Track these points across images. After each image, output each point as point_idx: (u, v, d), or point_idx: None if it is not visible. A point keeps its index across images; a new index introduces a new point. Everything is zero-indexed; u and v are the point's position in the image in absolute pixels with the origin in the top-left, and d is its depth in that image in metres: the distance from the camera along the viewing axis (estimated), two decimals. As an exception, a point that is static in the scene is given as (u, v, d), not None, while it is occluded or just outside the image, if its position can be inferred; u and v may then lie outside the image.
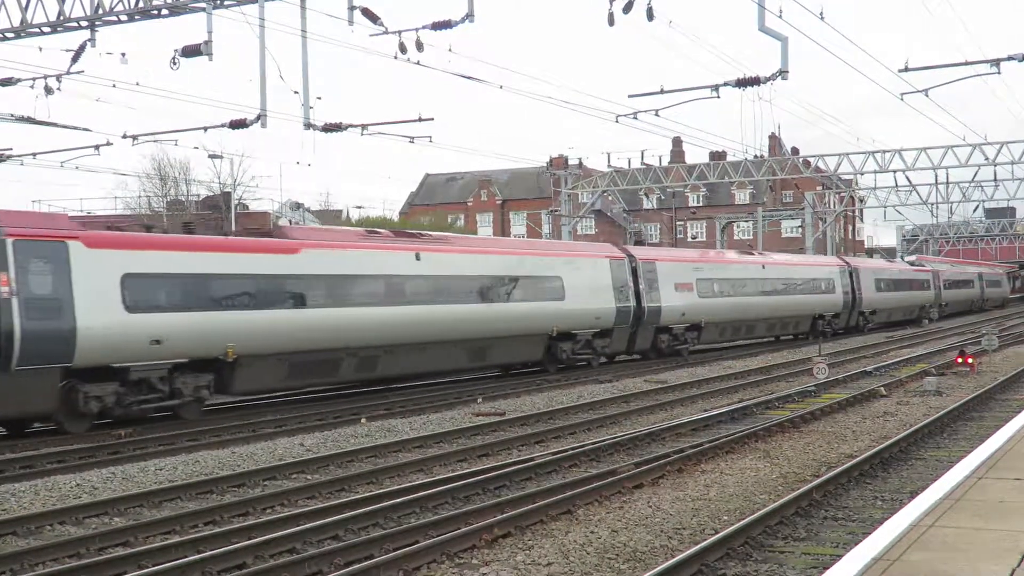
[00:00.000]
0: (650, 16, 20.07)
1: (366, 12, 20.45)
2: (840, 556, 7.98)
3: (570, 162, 69.06)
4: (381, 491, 13.07)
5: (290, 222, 62.78)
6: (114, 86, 24.89)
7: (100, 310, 18.21)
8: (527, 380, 27.77)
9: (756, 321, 40.28)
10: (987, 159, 48.59)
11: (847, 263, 49.89)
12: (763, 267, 41.24)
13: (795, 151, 79.29)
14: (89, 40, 21.26)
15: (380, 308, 23.64)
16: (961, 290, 72.11)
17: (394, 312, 23.95)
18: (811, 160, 56.03)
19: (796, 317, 44.05)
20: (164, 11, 20.61)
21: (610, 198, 76.91)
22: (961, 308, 72.88)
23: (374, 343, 23.46)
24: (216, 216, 52.97)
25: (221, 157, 58.27)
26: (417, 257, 24.89)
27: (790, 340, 44.43)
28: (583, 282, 30.28)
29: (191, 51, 20.16)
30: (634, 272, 32.59)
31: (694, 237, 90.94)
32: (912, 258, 72.77)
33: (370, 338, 23.30)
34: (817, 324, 45.50)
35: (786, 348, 40.12)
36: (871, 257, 64.54)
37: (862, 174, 52.42)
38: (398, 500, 12.20)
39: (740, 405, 21.02)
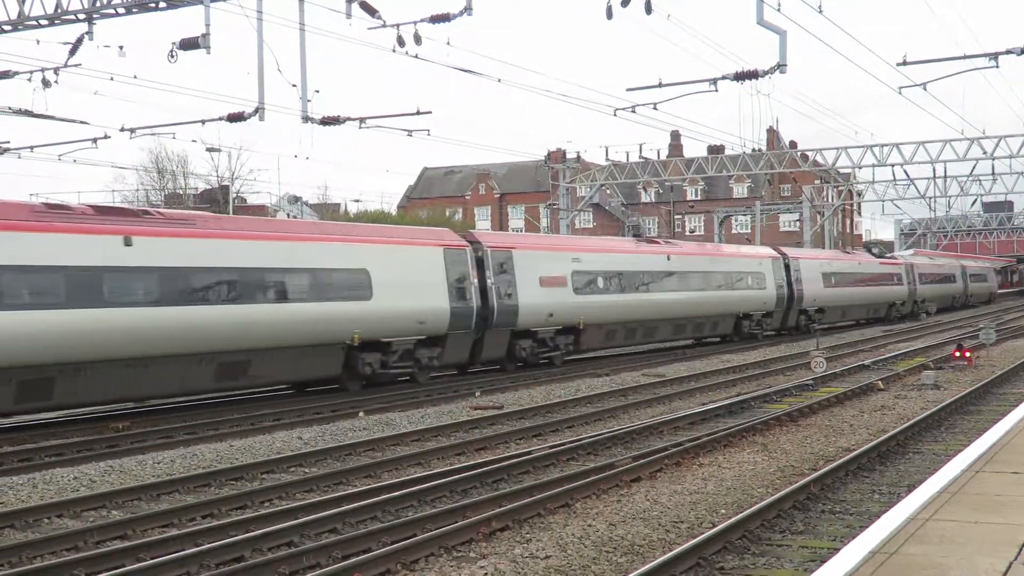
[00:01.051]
0: (648, 9, 20.05)
1: (364, 5, 20.41)
2: (838, 549, 7.98)
3: (568, 156, 68.90)
4: (379, 484, 13.07)
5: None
6: (112, 79, 24.86)
7: None
8: (525, 374, 27.75)
9: (657, 322, 34.10)
10: (985, 153, 48.60)
11: (783, 254, 43.99)
12: (667, 258, 35.23)
13: (793, 145, 79.49)
14: (87, 33, 21.20)
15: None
16: (941, 285, 66.70)
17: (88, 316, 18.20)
18: (809, 154, 55.98)
19: (712, 317, 37.79)
20: (162, 4, 20.55)
21: (608, 192, 76.98)
22: (943, 304, 67.54)
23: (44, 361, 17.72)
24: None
25: (219, 150, 58.43)
26: (127, 242, 19.02)
27: (716, 343, 39.20)
28: (402, 277, 24.35)
29: (189, 44, 20.11)
30: (480, 263, 26.95)
31: (692, 231, 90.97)
32: (907, 250, 72.76)
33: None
34: (742, 324, 39.75)
35: (713, 353, 34.50)
36: (869, 251, 60.53)
37: (860, 168, 52.46)
38: (396, 493, 12.20)
39: (738, 399, 21.04)
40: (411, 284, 24.48)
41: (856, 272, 50.76)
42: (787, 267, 42.96)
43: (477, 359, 27.35)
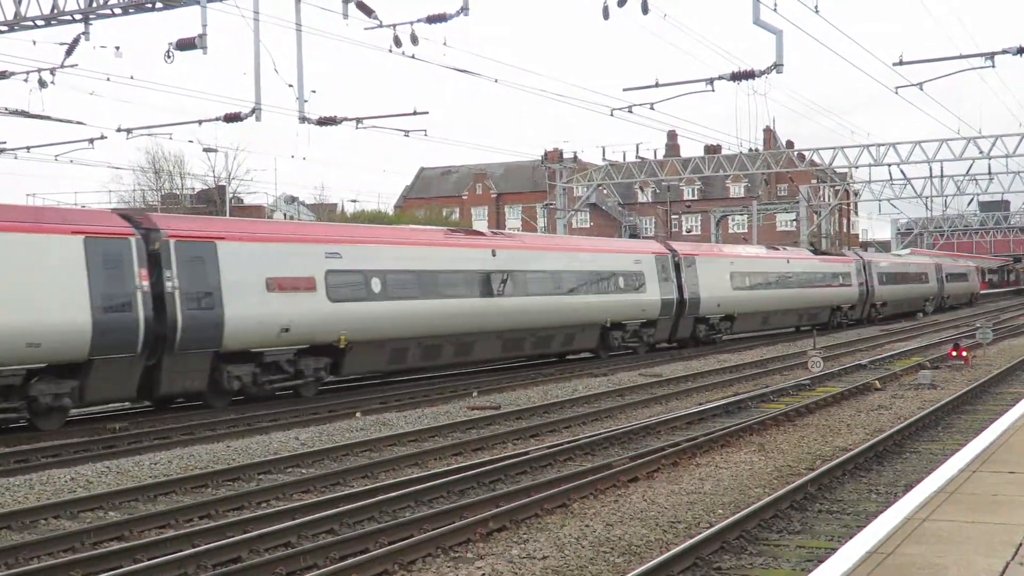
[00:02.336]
0: (645, 9, 20.06)
1: (360, 5, 20.42)
2: (835, 549, 7.99)
3: (565, 156, 68.95)
4: (376, 485, 13.07)
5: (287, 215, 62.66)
6: (108, 80, 24.84)
7: None
8: (523, 373, 27.74)
9: (472, 336, 26.28)
10: (981, 152, 48.69)
11: (672, 250, 35.58)
12: (492, 253, 27.52)
13: (790, 144, 79.60)
14: (83, 33, 21.22)
15: None
16: (907, 286, 58.30)
17: None
18: (806, 153, 56.04)
19: (564, 328, 29.88)
20: (158, 4, 20.55)
21: (605, 191, 76.96)
22: (913, 307, 60.04)
23: None
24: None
25: (216, 151, 58.39)
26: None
27: (580, 359, 32.35)
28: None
29: (185, 44, 20.11)
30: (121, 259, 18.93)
31: (689, 231, 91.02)
32: (904, 249, 72.40)
33: None
34: (610, 337, 31.91)
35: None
36: (866, 250, 56.25)
37: (857, 167, 52.56)
38: (393, 494, 12.19)
39: (735, 399, 21.04)
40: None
41: (781, 272, 42.28)
42: (677, 266, 34.87)
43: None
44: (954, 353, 28.85)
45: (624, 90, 32.80)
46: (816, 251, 50.75)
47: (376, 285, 23.60)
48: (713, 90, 26.11)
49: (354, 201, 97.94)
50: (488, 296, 26.78)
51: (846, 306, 48.50)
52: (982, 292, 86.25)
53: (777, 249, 46.53)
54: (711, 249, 41.42)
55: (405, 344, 24.49)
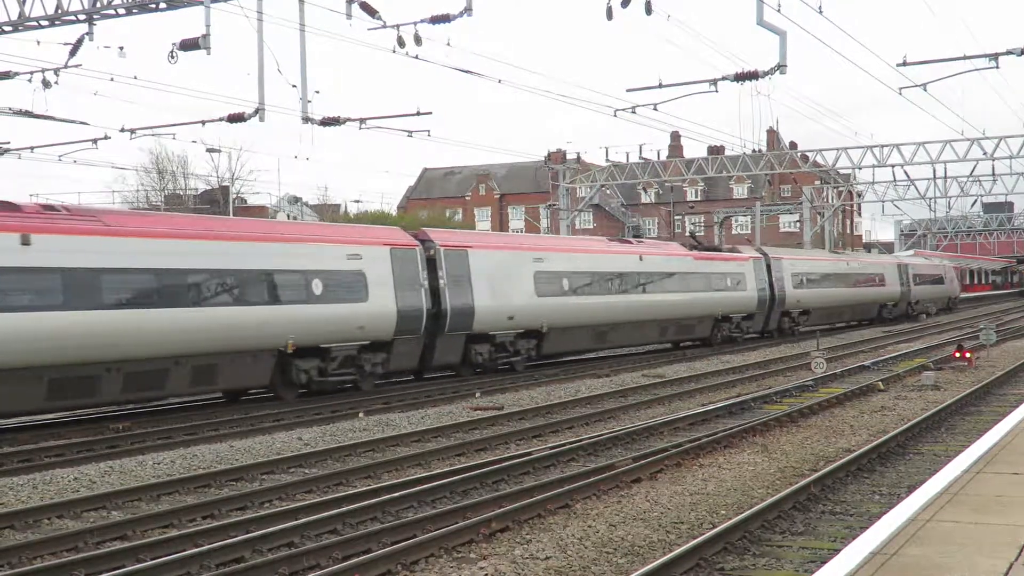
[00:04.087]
0: (648, 10, 20.06)
1: (364, 6, 20.42)
2: (838, 550, 7.98)
3: (568, 156, 68.97)
4: (379, 485, 13.07)
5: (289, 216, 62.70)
6: (112, 80, 24.86)
7: None
8: (525, 374, 27.76)
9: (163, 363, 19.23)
10: (985, 154, 48.60)
11: (424, 240, 25.87)
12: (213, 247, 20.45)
13: (793, 145, 79.47)
14: (87, 34, 21.22)
15: None
16: (843, 289, 48.38)
17: None
18: (809, 154, 55.98)
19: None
20: (162, 5, 20.57)
21: (608, 192, 76.99)
22: (859, 315, 52.39)
23: None
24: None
25: (219, 151, 58.45)
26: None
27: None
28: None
29: (189, 45, 20.13)
30: None
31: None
32: (906, 251, 72.12)
33: None
34: (362, 361, 23.63)
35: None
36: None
37: (860, 168, 52.43)
38: (396, 494, 12.20)
39: (738, 400, 21.03)
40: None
41: (618, 272, 32.04)
42: (431, 262, 25.39)
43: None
44: (958, 354, 28.83)
45: (627, 91, 32.75)
46: (701, 247, 41.51)
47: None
48: (717, 91, 26.16)
49: (357, 202, 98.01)
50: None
51: (738, 316, 38.86)
52: (984, 294, 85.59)
53: (631, 243, 36.43)
54: (487, 240, 30.97)
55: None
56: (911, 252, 74.61)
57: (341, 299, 22.73)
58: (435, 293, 25.15)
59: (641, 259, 33.56)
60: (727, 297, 38.13)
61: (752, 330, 40.97)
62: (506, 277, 27.34)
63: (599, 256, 32.12)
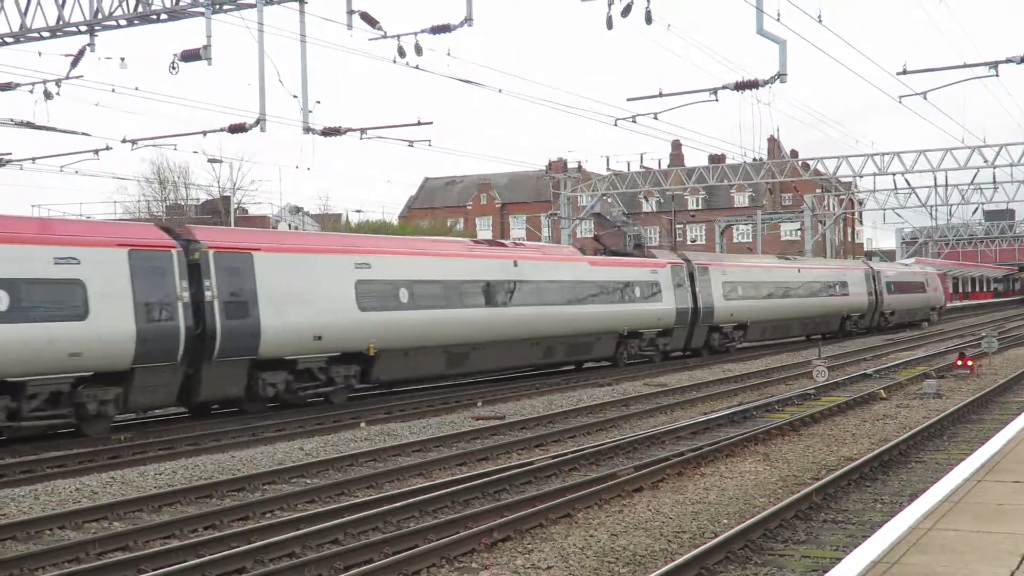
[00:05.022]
0: (648, 20, 20.08)
1: (365, 16, 20.46)
2: (840, 559, 7.98)
3: (569, 165, 69.07)
4: (381, 495, 13.06)
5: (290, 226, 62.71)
6: (113, 90, 24.94)
7: None
8: (527, 383, 27.73)
9: None
10: (986, 161, 48.65)
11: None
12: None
13: (794, 154, 79.51)
14: (88, 45, 21.29)
15: None
16: (791, 300, 43.08)
17: None
18: (810, 163, 56.03)
19: None
20: (163, 16, 20.63)
21: (609, 201, 77.04)
22: (821, 328, 47.11)
23: None
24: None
25: (220, 161, 58.50)
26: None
27: None
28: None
29: (190, 55, 20.17)
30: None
31: (693, 240, 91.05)
32: (909, 258, 71.95)
33: None
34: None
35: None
36: (870, 259, 49.47)
37: (861, 176, 52.52)
38: (398, 504, 12.19)
39: (740, 408, 21.02)
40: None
41: (483, 280, 26.89)
42: (195, 268, 20.37)
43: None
44: (960, 362, 28.81)
45: (628, 100, 32.80)
46: (606, 250, 35.98)
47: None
48: (717, 100, 26.17)
49: (358, 211, 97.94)
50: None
51: (651, 332, 33.83)
52: (986, 302, 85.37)
53: (505, 245, 30.63)
54: (390, 244, 26.99)
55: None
56: (913, 260, 74.55)
57: (43, 318, 17.35)
58: (201, 308, 19.94)
59: (516, 264, 28.00)
60: (634, 309, 32.53)
61: (671, 348, 35.11)
62: (312, 287, 22.05)
63: (455, 261, 26.46)
